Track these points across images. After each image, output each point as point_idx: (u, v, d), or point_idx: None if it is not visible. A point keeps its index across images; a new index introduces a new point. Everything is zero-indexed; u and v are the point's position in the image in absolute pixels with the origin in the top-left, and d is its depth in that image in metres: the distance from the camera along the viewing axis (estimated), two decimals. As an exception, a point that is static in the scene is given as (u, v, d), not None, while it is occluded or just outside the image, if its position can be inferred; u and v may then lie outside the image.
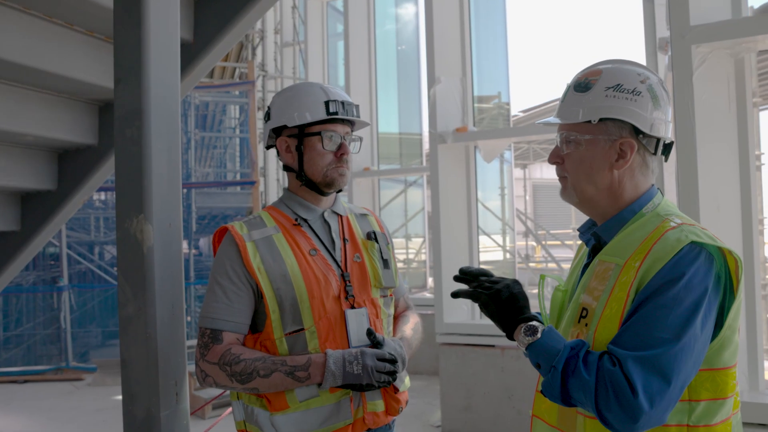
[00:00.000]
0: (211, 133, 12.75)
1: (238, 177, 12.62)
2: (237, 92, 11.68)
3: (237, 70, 14.32)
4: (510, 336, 1.45)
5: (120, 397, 1.85)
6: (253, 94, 9.86)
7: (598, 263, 1.42)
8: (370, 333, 1.78)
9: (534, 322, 1.38)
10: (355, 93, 8.08)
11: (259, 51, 12.69)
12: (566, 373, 1.28)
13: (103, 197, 12.00)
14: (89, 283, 10.64)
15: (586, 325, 1.37)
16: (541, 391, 1.35)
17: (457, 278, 1.55)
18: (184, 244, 12.16)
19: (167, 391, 1.79)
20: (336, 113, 1.85)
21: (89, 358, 9.14)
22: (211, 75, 14.47)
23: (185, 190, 10.71)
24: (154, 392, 1.75)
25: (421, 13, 9.27)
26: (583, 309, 1.39)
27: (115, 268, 9.63)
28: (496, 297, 1.45)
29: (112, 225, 11.44)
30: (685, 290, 1.26)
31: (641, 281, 1.30)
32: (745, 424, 1.46)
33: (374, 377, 1.70)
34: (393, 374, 1.74)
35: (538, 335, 1.35)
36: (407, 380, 1.96)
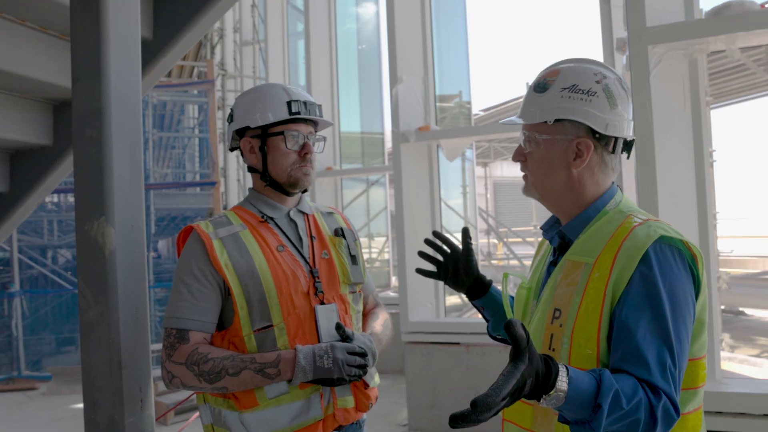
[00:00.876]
0: (170, 133, 12.53)
1: (197, 178, 12.43)
2: (196, 91, 11.50)
3: (196, 69, 14.14)
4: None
5: (77, 406, 1.80)
6: (213, 94, 9.74)
7: (566, 263, 1.43)
8: (339, 327, 1.77)
9: (557, 390, 1.17)
10: (317, 92, 8.05)
11: (218, 50, 12.55)
12: (611, 412, 1.21)
13: (56, 199, 11.70)
14: (42, 289, 10.34)
15: (561, 325, 1.37)
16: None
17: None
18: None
19: (132, 397, 1.74)
20: (298, 113, 1.85)
21: (43, 367, 8.88)
22: (168, 74, 14.25)
23: (144, 191, 10.46)
24: (117, 399, 1.70)
25: (381, 12, 9.28)
26: (556, 310, 1.39)
27: (70, 273, 9.38)
28: (521, 393, 1.15)
29: (66, 228, 11.17)
30: (670, 291, 1.30)
31: (618, 281, 1.31)
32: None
33: (345, 371, 1.70)
34: (364, 368, 1.74)
35: (563, 401, 1.19)
36: (377, 377, 1.96)
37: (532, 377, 1.14)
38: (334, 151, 8.30)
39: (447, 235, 1.84)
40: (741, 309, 10.51)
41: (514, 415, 1.47)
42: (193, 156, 13.49)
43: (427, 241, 1.86)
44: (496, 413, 1.12)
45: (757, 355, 7.61)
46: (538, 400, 1.19)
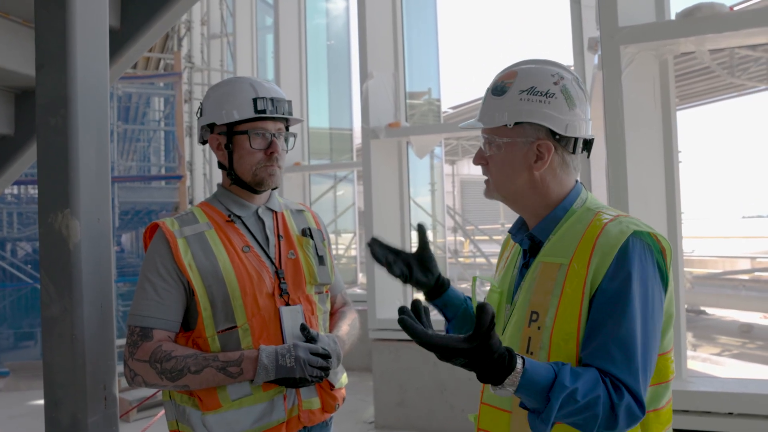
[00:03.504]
0: (135, 126, 12.31)
1: (163, 171, 12.24)
2: (162, 84, 11.33)
3: (162, 62, 13.92)
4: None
5: (35, 403, 1.75)
6: (180, 86, 9.58)
7: (540, 265, 1.41)
8: (303, 328, 1.75)
9: (506, 386, 1.22)
10: (286, 87, 7.97)
11: (185, 42, 12.36)
12: (564, 406, 1.22)
13: (15, 191, 11.44)
14: (0, 282, 10.10)
15: (539, 328, 1.35)
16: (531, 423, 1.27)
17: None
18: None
19: (95, 395, 1.69)
20: (264, 111, 1.80)
21: (0, 362, 8.67)
22: (134, 66, 13.99)
23: (107, 185, 10.32)
24: (80, 397, 1.65)
25: (351, 7, 9.23)
26: (533, 312, 1.38)
27: (30, 266, 9.16)
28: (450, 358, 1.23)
29: (26, 221, 10.93)
30: (641, 287, 1.29)
31: (594, 278, 1.31)
32: (670, 411, 1.51)
33: (307, 371, 1.67)
34: (326, 369, 1.72)
35: (512, 393, 1.24)
36: (344, 377, 1.93)
37: (464, 359, 1.20)
38: (302, 146, 8.23)
39: (387, 242, 1.68)
40: (702, 308, 10.73)
41: (490, 424, 1.45)
42: (158, 149, 13.29)
43: (371, 248, 1.69)
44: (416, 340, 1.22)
45: (719, 354, 7.78)
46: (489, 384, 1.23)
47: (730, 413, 2.98)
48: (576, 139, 1.44)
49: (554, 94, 1.41)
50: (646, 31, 3.18)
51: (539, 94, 1.40)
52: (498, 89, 1.44)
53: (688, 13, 3.19)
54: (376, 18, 5.64)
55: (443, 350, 1.20)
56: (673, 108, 3.40)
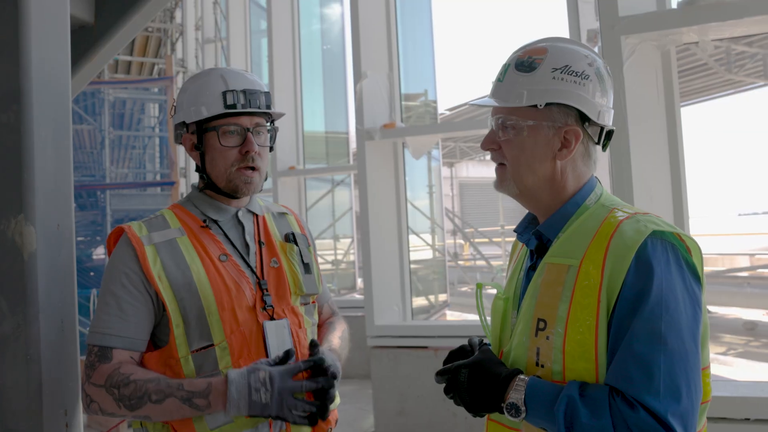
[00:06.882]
0: (128, 132, 12.14)
1: (158, 177, 12.09)
2: (156, 89, 11.20)
3: (156, 67, 13.82)
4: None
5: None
6: (172, 91, 9.47)
7: (547, 267, 1.26)
8: (313, 345, 1.54)
9: (513, 398, 1.19)
10: (280, 91, 7.87)
11: (179, 47, 12.28)
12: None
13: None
14: None
15: (548, 338, 1.20)
16: None
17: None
18: (100, 249, 11.55)
19: (54, 422, 1.52)
20: (234, 106, 1.60)
21: None
22: (128, 71, 13.90)
23: (100, 192, 10.19)
24: (36, 424, 1.47)
25: (347, 13, 9.12)
26: (540, 320, 1.23)
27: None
28: (457, 385, 1.32)
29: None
30: (666, 296, 1.14)
31: (611, 284, 1.16)
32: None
33: (287, 404, 1.42)
34: (324, 406, 1.47)
35: (522, 414, 1.19)
36: (337, 398, 1.74)
37: (456, 394, 1.34)
38: (297, 150, 8.11)
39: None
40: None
41: None
42: (153, 156, 13.15)
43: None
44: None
45: (724, 353, 7.67)
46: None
47: (747, 419, 2.84)
48: (602, 129, 1.30)
49: (589, 75, 1.27)
50: (648, 20, 3.06)
51: (574, 74, 1.26)
52: (525, 65, 1.29)
53: (690, 2, 3.07)
54: (369, 18, 5.53)
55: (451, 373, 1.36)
56: (676, 100, 3.28)
